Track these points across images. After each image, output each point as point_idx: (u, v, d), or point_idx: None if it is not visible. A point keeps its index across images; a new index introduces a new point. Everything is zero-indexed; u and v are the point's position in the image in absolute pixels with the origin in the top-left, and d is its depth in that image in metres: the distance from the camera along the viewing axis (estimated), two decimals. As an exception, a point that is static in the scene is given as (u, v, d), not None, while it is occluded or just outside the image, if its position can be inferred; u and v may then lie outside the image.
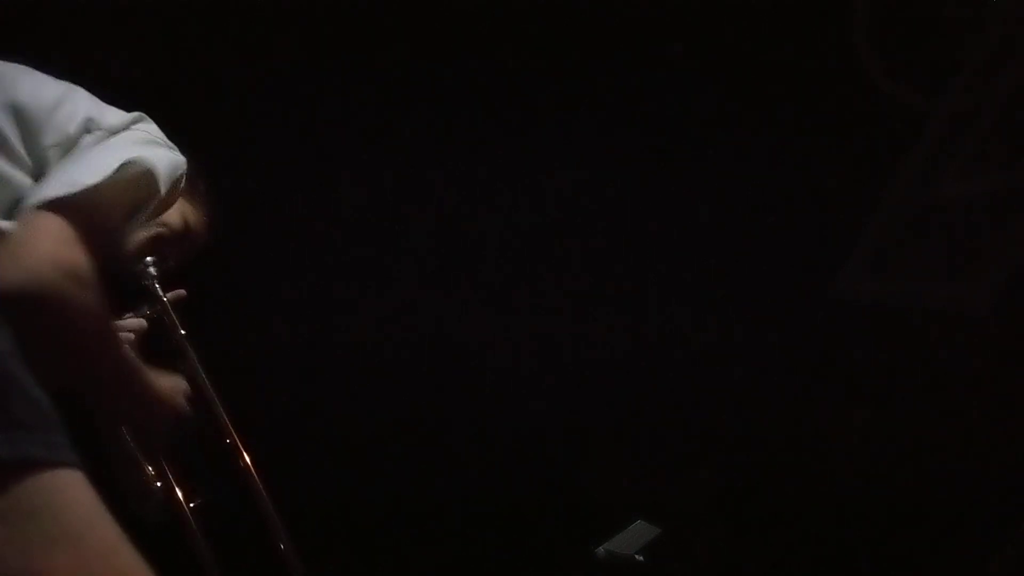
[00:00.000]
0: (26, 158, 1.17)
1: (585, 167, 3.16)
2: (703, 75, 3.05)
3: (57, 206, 1.09)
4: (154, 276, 1.57)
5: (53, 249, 1.06)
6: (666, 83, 3.06)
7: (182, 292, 1.63)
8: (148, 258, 1.56)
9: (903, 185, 2.86)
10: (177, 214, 1.57)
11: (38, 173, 1.17)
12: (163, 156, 1.25)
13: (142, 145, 1.22)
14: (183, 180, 1.33)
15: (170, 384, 1.40)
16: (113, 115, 1.27)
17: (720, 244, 3.15)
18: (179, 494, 1.50)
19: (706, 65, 3.04)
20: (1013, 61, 2.68)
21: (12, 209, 1.13)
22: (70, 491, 0.73)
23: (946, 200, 2.71)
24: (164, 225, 1.55)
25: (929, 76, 2.85)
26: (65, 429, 0.77)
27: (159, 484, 1.49)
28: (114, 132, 1.23)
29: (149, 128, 1.30)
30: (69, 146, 1.20)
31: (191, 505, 1.51)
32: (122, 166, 1.16)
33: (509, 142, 3.07)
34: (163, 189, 1.21)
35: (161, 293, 1.59)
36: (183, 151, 1.37)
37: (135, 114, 1.30)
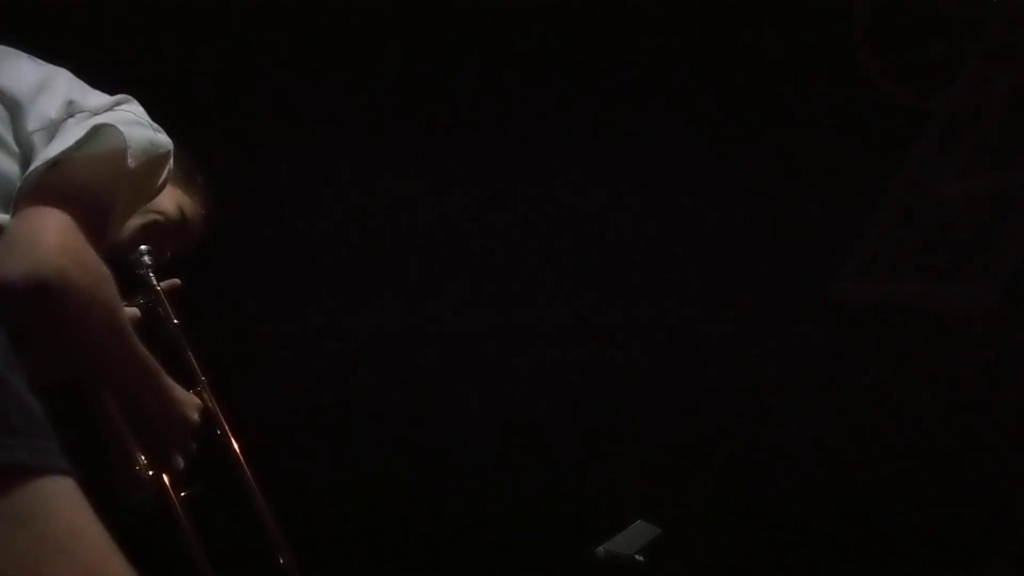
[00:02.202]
0: (14, 146, 1.15)
1: (586, 167, 3.17)
2: (703, 75, 3.05)
3: (45, 192, 1.08)
4: (148, 265, 1.56)
5: (55, 237, 1.05)
6: (666, 83, 3.06)
7: (176, 282, 1.62)
8: (143, 247, 1.55)
9: (903, 185, 2.85)
10: (172, 203, 1.57)
11: (25, 160, 1.15)
12: (141, 133, 1.22)
13: (123, 124, 1.19)
14: (170, 162, 1.31)
15: (185, 396, 1.39)
16: (96, 97, 1.25)
17: (720, 244, 3.15)
18: (168, 484, 1.50)
19: (706, 65, 3.04)
20: (1013, 61, 2.67)
21: (7, 201, 1.11)
22: (59, 498, 0.72)
23: (946, 200, 2.70)
24: (159, 213, 1.54)
25: (929, 76, 2.84)
26: (56, 433, 0.76)
27: (150, 473, 1.49)
28: (96, 114, 1.20)
29: (134, 109, 1.27)
30: (52, 131, 1.17)
31: (181, 495, 1.51)
32: (90, 132, 1.15)
33: (512, 141, 3.08)
34: (134, 159, 1.19)
35: (155, 283, 1.58)
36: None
37: (119, 96, 1.28)
